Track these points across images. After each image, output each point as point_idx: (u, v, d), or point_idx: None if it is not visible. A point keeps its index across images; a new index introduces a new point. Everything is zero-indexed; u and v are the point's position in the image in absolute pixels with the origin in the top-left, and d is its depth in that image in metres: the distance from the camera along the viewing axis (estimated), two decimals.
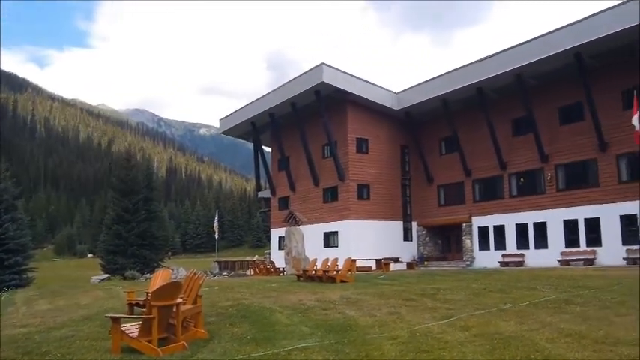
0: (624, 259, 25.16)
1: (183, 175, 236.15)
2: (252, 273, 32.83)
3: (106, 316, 7.82)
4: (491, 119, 31.51)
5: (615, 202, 26.46)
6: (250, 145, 47.71)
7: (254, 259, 48.73)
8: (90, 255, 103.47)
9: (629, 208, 25.55)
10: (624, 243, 25.96)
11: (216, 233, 49.49)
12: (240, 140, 51.71)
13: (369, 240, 34.46)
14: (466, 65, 32.45)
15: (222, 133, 48.19)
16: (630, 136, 24.16)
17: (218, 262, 43.88)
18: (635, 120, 23.29)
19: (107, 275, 34.68)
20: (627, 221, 26.00)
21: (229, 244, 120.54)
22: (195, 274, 8.79)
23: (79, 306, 12.69)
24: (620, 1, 25.18)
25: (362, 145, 36.66)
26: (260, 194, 48.56)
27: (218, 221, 51.46)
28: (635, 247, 25.37)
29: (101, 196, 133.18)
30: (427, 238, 37.36)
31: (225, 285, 17.31)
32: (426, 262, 35.30)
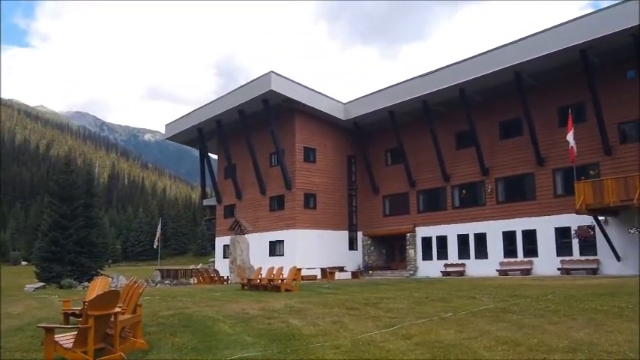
0: (558, 269, 26.25)
1: (126, 181, 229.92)
2: (195, 282, 32.25)
3: (38, 327, 7.48)
4: (436, 132, 32.29)
5: (551, 215, 27.57)
6: (196, 152, 47.02)
7: (198, 267, 47.86)
8: (24, 262, 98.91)
9: (564, 220, 26.66)
10: (559, 254, 27.08)
11: (156, 241, 48.17)
12: (187, 147, 50.91)
13: (314, 249, 34.53)
14: (412, 78, 33.19)
15: (168, 139, 47.31)
16: (565, 151, 25.32)
17: (160, 270, 42.81)
18: (569, 137, 24.44)
19: (42, 284, 33.20)
20: (562, 233, 27.13)
21: (173, 252, 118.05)
22: (135, 282, 8.56)
23: (10, 316, 12.10)
24: (558, 23, 26.46)
25: (309, 155, 36.78)
26: (205, 202, 47.88)
27: (161, 229, 50.28)
28: (568, 258, 26.55)
29: (37, 202, 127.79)
30: (372, 248, 37.77)
31: (167, 294, 16.93)
32: (370, 272, 35.65)
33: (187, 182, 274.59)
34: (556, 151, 27.50)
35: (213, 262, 44.06)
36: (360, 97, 36.91)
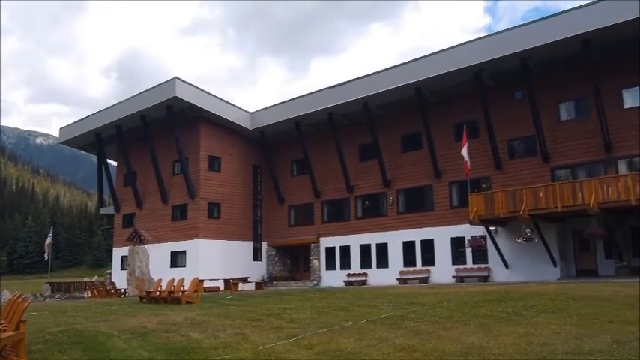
0: (453, 277, 27.58)
1: (14, 187, 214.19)
2: (89, 295, 30.62)
3: None
4: (341, 144, 32.96)
5: (447, 225, 28.93)
6: (94, 158, 44.76)
7: (93, 280, 45.49)
8: None
9: (459, 230, 28.08)
10: (454, 263, 28.46)
11: (47, 252, 45.04)
12: (83, 152, 48.29)
13: (217, 260, 33.92)
14: (318, 91, 33.73)
15: (62, 143, 44.65)
16: (461, 165, 26.73)
17: (50, 283, 40.17)
18: (464, 151, 25.88)
19: None
20: (457, 243, 28.56)
21: (66, 264, 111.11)
22: (19, 296, 7.94)
23: None
24: (455, 44, 28.05)
25: (214, 163, 36.18)
26: (103, 210, 45.58)
27: (52, 239, 47.13)
28: (462, 266, 28.01)
29: None
30: (277, 258, 37.71)
31: (57, 309, 15.88)
32: (274, 282, 35.56)
33: (83, 190, 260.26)
34: (452, 164, 28.94)
35: (110, 274, 41.95)
36: (267, 107, 36.92)
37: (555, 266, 24.60)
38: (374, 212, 33.04)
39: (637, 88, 24.31)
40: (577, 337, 8.05)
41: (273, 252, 37.75)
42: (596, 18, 22.86)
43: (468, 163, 25.77)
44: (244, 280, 31.11)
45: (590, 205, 21.34)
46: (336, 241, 34.25)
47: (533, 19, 26.09)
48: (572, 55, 24.35)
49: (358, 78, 31.75)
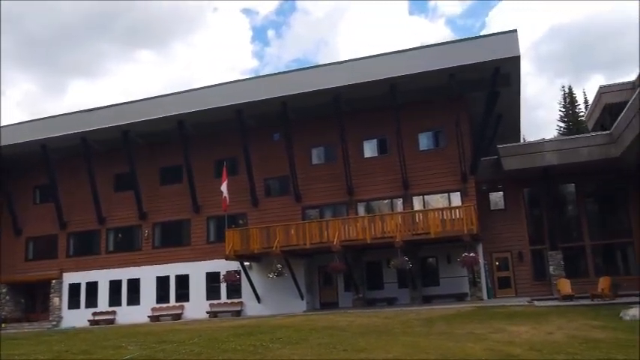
0: (207, 312, 27.51)
1: None
2: None
3: None
4: (94, 171, 30.74)
5: (203, 260, 28.85)
6: None
7: None
8: None
9: (215, 265, 28.21)
10: (208, 298, 28.42)
11: None
12: None
13: None
14: (72, 113, 31.14)
15: None
16: (219, 201, 27.08)
17: None
18: (223, 187, 26.40)
19: None
20: (212, 278, 28.61)
21: None
22: None
23: None
24: (220, 82, 28.72)
25: None
26: None
27: None
28: (216, 301, 28.16)
29: None
30: (8, 297, 32.95)
31: None
32: (4, 325, 30.98)
33: None
34: (211, 200, 29.08)
35: None
36: (6, 126, 32.56)
37: (302, 299, 26.27)
38: (127, 246, 31.33)
39: (375, 140, 27.93)
40: None
41: (5, 290, 32.94)
42: (345, 75, 25.72)
43: (227, 198, 26.29)
44: None
45: (334, 243, 23.53)
46: (83, 277, 31.46)
47: (294, 69, 28.35)
48: (324, 104, 26.76)
49: (118, 104, 30.24)
